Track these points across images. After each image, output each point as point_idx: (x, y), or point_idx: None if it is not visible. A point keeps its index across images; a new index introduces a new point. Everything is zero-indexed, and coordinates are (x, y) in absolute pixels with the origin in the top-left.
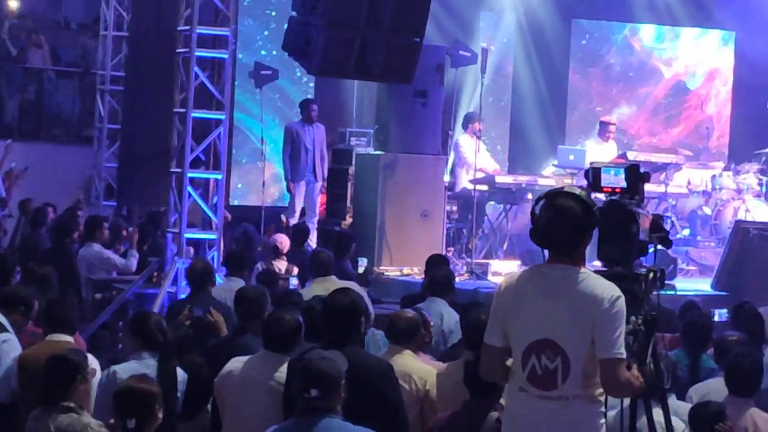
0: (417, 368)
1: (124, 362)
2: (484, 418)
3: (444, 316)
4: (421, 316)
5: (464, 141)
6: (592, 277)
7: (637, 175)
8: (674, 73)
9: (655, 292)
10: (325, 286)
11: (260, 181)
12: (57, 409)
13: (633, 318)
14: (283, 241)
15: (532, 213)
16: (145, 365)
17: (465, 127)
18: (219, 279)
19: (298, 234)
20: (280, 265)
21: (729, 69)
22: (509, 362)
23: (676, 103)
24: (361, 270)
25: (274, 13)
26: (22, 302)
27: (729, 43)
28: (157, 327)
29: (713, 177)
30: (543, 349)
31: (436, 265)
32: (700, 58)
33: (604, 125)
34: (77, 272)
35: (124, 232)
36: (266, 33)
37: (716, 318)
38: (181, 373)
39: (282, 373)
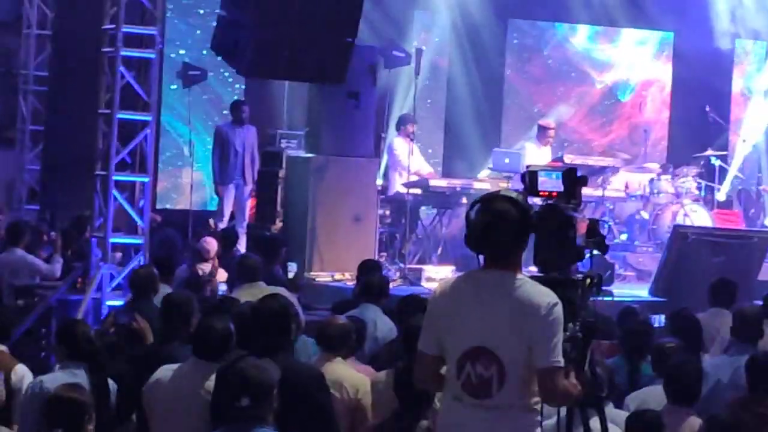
0: (349, 376)
1: (50, 372)
2: (414, 426)
3: (377, 323)
4: (355, 322)
5: (398, 143)
6: (529, 283)
7: (574, 178)
8: (611, 75)
9: (592, 298)
10: (253, 292)
11: (188, 184)
12: None
13: (570, 325)
14: (210, 244)
15: (467, 218)
16: (72, 375)
17: (399, 129)
18: None
19: (227, 239)
20: (205, 267)
21: (667, 70)
22: (443, 370)
23: (613, 106)
24: (291, 275)
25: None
26: None
27: (667, 44)
28: (84, 336)
29: (651, 181)
30: (478, 356)
31: (370, 271)
32: (638, 60)
33: (542, 129)
34: None
35: (46, 237)
36: (198, 32)
37: (656, 324)
38: (111, 384)
39: (212, 381)
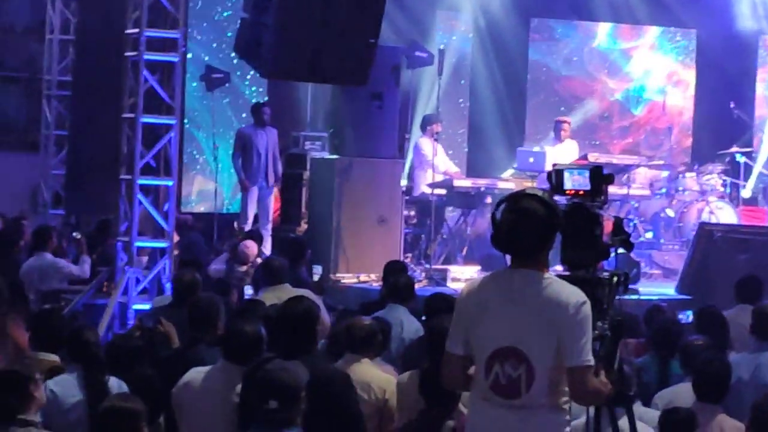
0: (376, 377)
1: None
2: (440, 427)
3: (404, 323)
4: (381, 323)
5: (424, 143)
6: (557, 282)
7: (601, 177)
8: (635, 72)
9: (618, 297)
10: (279, 294)
11: (212, 187)
12: (16, 423)
13: (599, 323)
14: (251, 248)
15: (493, 217)
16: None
17: (424, 129)
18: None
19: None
20: (243, 270)
21: (691, 68)
22: (471, 370)
23: (637, 103)
24: (316, 278)
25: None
26: None
27: (691, 41)
28: (85, 339)
29: (676, 178)
30: (506, 357)
31: (396, 272)
32: (662, 58)
33: (558, 124)
34: (21, 285)
35: (71, 239)
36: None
37: (684, 320)
38: (116, 386)
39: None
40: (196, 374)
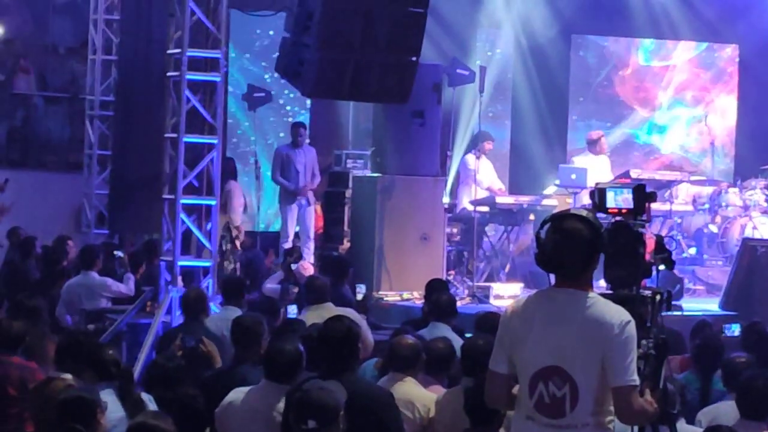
0: (420, 395)
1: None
2: None
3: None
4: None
5: (471, 160)
6: (601, 301)
7: (643, 195)
8: (676, 88)
9: (662, 314)
10: (321, 313)
11: (255, 205)
12: None
13: (643, 342)
14: (307, 269)
15: (538, 237)
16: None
17: (475, 146)
18: (214, 308)
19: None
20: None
21: (733, 83)
22: (515, 389)
23: (678, 118)
24: (359, 297)
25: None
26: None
27: (733, 57)
28: (111, 359)
29: (719, 193)
30: (551, 376)
31: (437, 290)
32: (703, 73)
33: (592, 141)
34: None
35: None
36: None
37: (731, 333)
38: (147, 400)
39: (284, 403)
40: (238, 394)
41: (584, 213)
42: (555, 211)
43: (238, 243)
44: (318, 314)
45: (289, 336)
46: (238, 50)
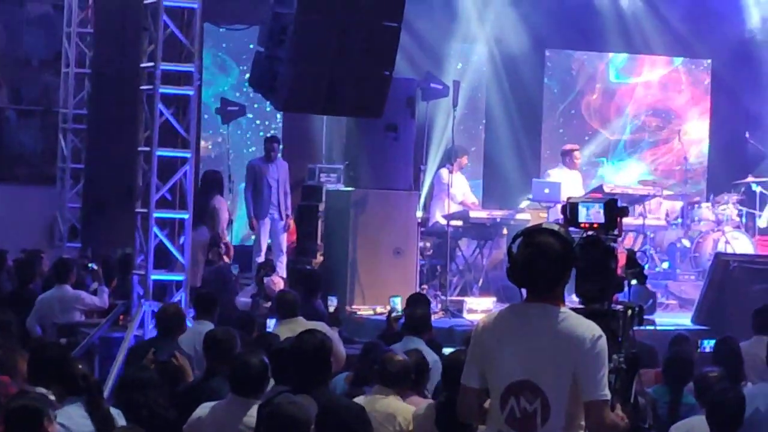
0: (402, 408)
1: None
2: None
3: None
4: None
5: (445, 174)
6: (573, 316)
7: (615, 209)
8: (651, 102)
9: (634, 328)
10: (292, 327)
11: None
12: None
13: (614, 356)
14: (278, 284)
15: (509, 251)
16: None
17: (451, 160)
18: (187, 322)
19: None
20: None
21: (706, 98)
22: (487, 404)
23: (652, 133)
24: (331, 309)
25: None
26: None
27: (706, 71)
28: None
29: (692, 208)
30: (522, 390)
31: (414, 304)
32: (677, 88)
33: (568, 153)
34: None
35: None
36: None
37: (706, 349)
38: (116, 414)
39: (251, 417)
40: (205, 409)
41: (556, 227)
42: (528, 225)
43: (227, 258)
44: (289, 328)
45: (254, 350)
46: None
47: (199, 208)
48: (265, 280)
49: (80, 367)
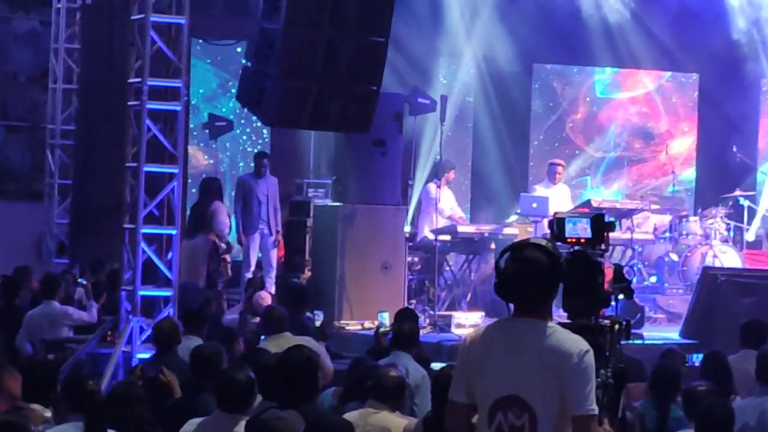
0: (396, 423)
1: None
2: None
3: (409, 370)
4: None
5: (433, 189)
6: (560, 331)
7: (602, 224)
8: (637, 116)
9: (622, 342)
10: (280, 342)
11: None
12: None
13: (602, 371)
14: (265, 299)
15: (497, 266)
16: (74, 429)
17: (439, 175)
18: None
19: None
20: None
21: (693, 113)
22: (475, 419)
23: (640, 147)
24: (318, 323)
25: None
26: None
27: (693, 85)
28: (87, 390)
29: (680, 222)
30: (510, 405)
31: (402, 319)
32: (664, 102)
33: (551, 166)
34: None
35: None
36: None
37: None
38: None
39: None
40: (191, 426)
41: (543, 242)
42: (516, 239)
43: (227, 257)
44: (277, 344)
45: (241, 365)
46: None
47: (199, 215)
48: (254, 296)
49: (90, 383)
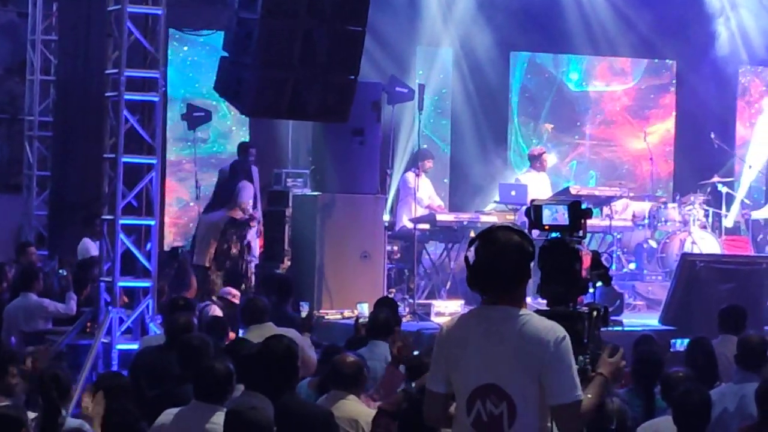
0: (364, 413)
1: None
2: None
3: (387, 359)
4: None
5: (411, 178)
6: (535, 318)
7: (579, 211)
8: (616, 103)
9: (600, 329)
10: (262, 333)
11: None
12: None
13: (580, 358)
14: (234, 294)
15: (466, 259)
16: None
17: (416, 164)
18: (154, 328)
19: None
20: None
21: (671, 99)
22: (452, 408)
23: (618, 134)
24: (303, 314)
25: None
26: None
27: (670, 72)
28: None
29: (658, 209)
30: (488, 394)
31: (378, 308)
32: (641, 89)
33: (537, 156)
34: None
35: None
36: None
37: (678, 348)
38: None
39: (214, 424)
40: (168, 416)
41: (509, 224)
42: None
43: (253, 224)
44: (258, 334)
45: (221, 356)
46: None
47: (227, 192)
48: (221, 290)
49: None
